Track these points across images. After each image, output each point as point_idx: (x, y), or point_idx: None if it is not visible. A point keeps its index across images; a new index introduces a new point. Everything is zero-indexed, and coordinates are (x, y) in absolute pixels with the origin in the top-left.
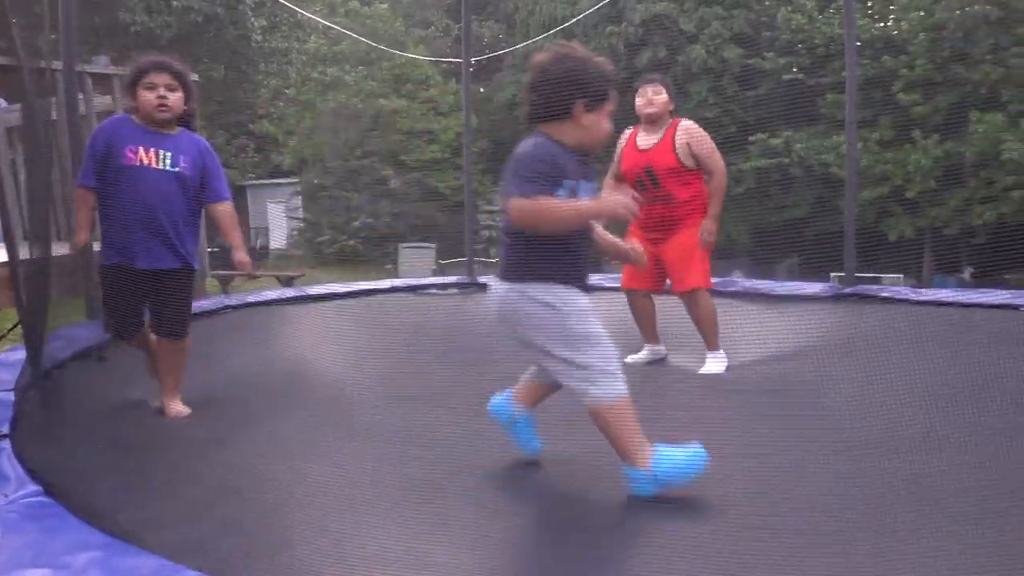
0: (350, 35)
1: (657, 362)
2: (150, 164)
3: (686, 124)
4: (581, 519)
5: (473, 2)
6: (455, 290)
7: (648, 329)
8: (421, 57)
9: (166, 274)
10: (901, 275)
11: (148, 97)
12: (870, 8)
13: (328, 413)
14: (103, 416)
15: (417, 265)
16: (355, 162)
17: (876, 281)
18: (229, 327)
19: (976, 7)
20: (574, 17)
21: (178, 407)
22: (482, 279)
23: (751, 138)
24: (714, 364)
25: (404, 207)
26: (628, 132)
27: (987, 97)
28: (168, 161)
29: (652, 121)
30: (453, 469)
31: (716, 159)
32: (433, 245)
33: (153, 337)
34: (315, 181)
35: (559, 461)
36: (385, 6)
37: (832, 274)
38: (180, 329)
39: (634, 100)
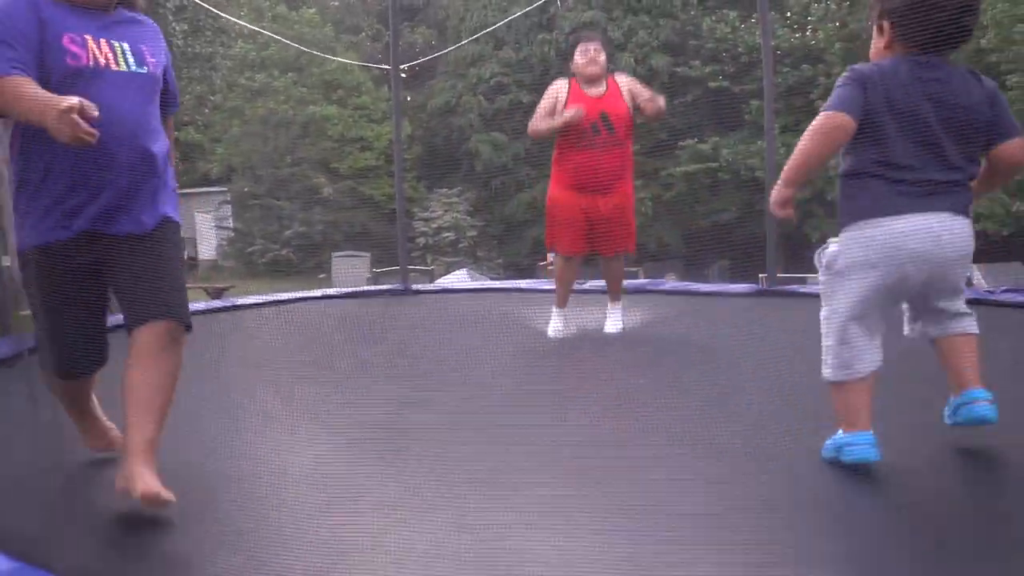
0: (278, 40)
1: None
2: (107, 65)
3: (621, 75)
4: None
5: (401, 8)
6: (389, 297)
7: (566, 295)
8: (351, 62)
9: (148, 238)
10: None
11: None
12: (788, 19)
13: (258, 423)
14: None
15: (351, 274)
16: (286, 170)
17: (801, 281)
18: None
19: None
20: (505, 25)
21: (153, 483)
22: (416, 287)
23: (681, 144)
24: (616, 319)
25: (338, 215)
26: (562, 82)
27: None
28: (131, 58)
29: (593, 80)
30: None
31: (656, 96)
32: (367, 254)
33: (100, 373)
34: (245, 190)
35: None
36: (313, 11)
37: (760, 275)
38: (180, 309)
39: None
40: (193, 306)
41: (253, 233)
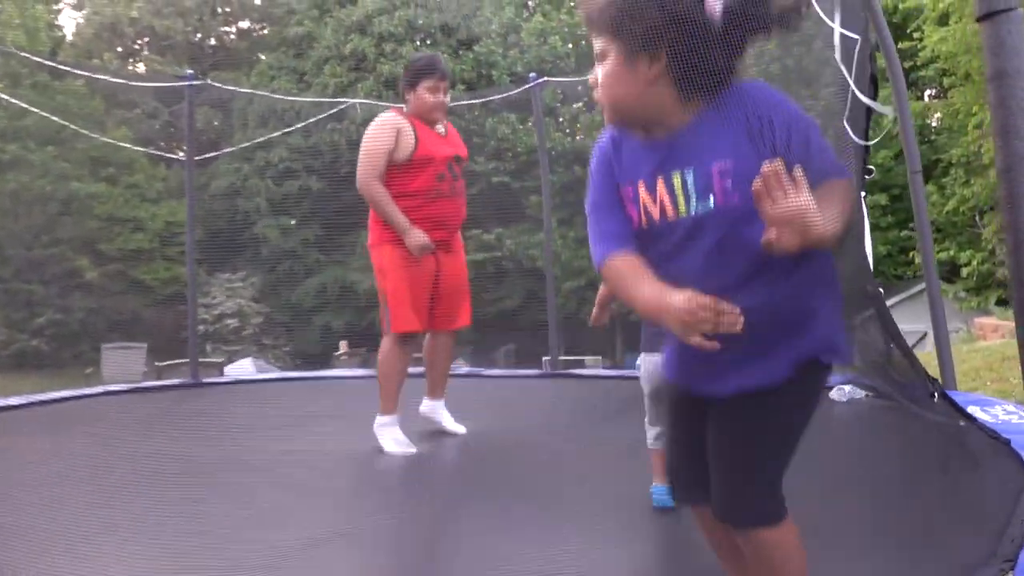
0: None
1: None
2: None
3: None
4: None
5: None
6: (178, 392)
7: (397, 393)
8: (138, 148)
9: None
10: (600, 356)
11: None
12: (561, 123)
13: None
14: None
15: (124, 368)
16: (40, 251)
17: (579, 364)
18: None
19: None
20: (294, 111)
21: None
22: (208, 380)
23: (467, 234)
24: (447, 415)
25: (103, 301)
26: (399, 120)
27: None
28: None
29: (435, 121)
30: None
31: None
32: (143, 344)
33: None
34: None
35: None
36: (81, 83)
37: (544, 358)
38: None
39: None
40: None
41: None
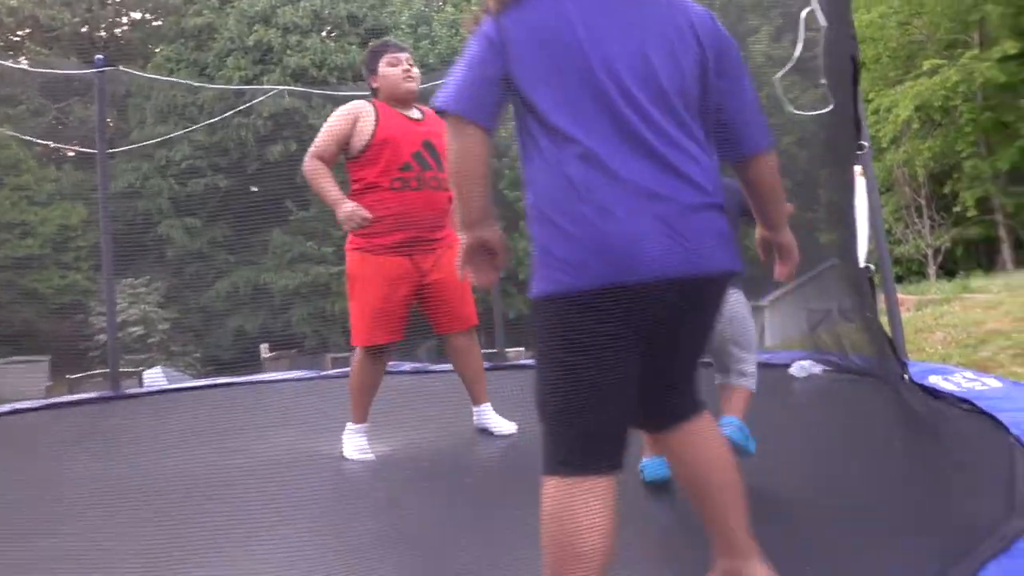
0: None
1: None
2: None
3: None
4: None
5: (68, 82)
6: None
7: (367, 404)
8: (50, 143)
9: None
10: (523, 348)
11: None
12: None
13: None
14: None
15: (24, 383)
16: None
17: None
18: None
19: None
20: (195, 105)
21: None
22: (132, 390)
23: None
24: (494, 415)
25: None
26: (363, 105)
27: None
28: None
29: (409, 99)
30: None
31: None
32: (45, 358)
33: None
34: None
35: None
36: None
37: (490, 351)
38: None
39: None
40: None
41: None
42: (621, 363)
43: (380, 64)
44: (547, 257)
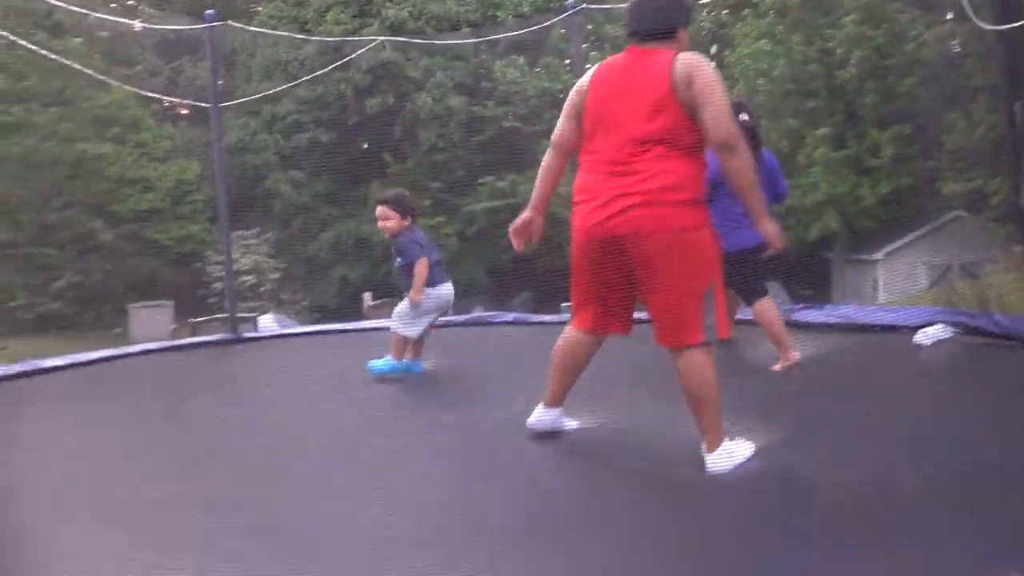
0: (67, 60)
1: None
2: None
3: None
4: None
5: (181, 41)
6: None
7: (566, 389)
8: (165, 97)
9: None
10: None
11: None
12: (569, 66)
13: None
14: None
15: (152, 326)
16: (53, 215)
17: None
18: None
19: None
20: (297, 60)
21: None
22: (249, 334)
23: (480, 181)
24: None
25: (118, 263)
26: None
27: None
28: None
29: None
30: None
31: None
32: (170, 303)
33: None
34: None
35: None
36: (80, 40)
37: (562, 304)
38: None
39: None
40: None
41: (13, 286)
42: None
43: (685, 29)
44: None
